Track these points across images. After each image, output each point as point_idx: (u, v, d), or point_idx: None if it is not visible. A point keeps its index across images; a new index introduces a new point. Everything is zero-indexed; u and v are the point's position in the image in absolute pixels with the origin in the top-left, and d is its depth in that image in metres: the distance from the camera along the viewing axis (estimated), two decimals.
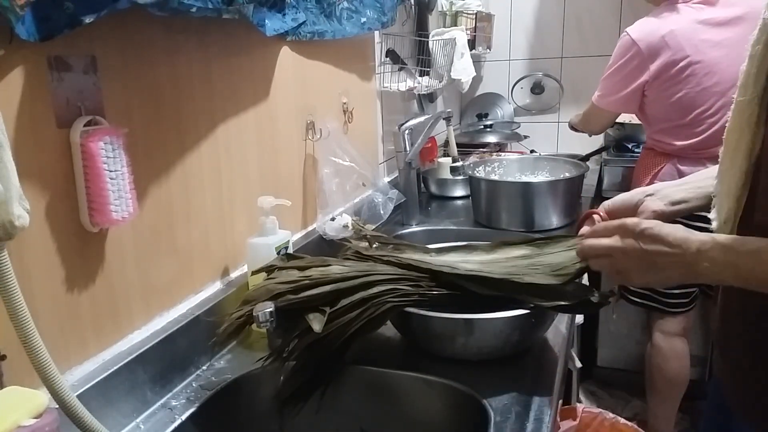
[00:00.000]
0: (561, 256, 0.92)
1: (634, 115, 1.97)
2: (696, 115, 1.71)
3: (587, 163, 1.94)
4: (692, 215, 0.91)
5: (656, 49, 1.70)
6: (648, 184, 1.05)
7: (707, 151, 1.70)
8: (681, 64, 1.69)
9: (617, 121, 2.26)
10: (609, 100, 1.84)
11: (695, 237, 0.73)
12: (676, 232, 0.74)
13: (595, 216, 0.93)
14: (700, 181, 0.89)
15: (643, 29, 1.74)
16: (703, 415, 1.01)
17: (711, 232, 0.76)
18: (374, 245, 1.08)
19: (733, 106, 0.74)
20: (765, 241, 0.68)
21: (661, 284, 0.79)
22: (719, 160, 0.79)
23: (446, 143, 2.16)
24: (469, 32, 2.22)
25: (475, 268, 0.93)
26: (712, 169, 0.82)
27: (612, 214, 0.91)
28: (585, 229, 0.92)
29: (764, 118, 0.71)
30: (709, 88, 1.69)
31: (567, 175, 1.74)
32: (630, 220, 0.78)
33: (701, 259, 0.71)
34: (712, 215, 0.79)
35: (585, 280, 1.00)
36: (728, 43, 1.67)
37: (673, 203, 0.87)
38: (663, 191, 0.89)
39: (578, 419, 1.46)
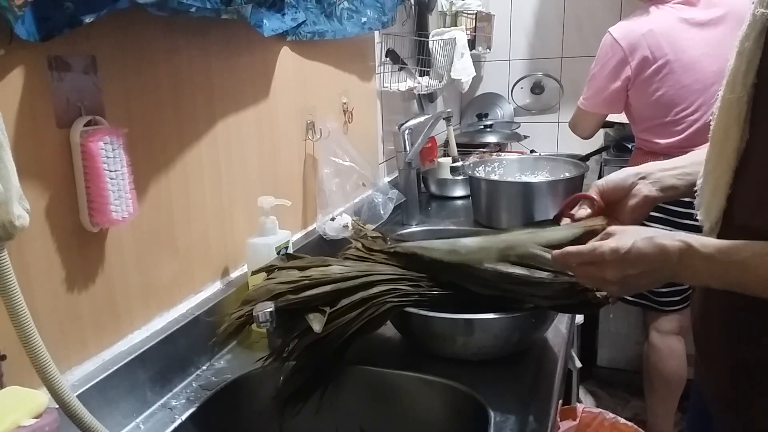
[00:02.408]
0: (558, 233, 0.90)
1: None
2: (676, 113, 1.75)
3: (587, 163, 1.94)
4: (682, 214, 0.88)
5: (636, 47, 1.73)
6: None
7: (690, 149, 1.72)
8: (660, 62, 1.72)
9: (618, 121, 2.26)
10: (594, 101, 1.86)
11: (673, 246, 0.70)
12: (653, 245, 0.71)
13: (587, 200, 0.91)
14: (689, 166, 0.88)
15: (624, 28, 1.78)
16: (686, 421, 1.00)
17: (700, 229, 0.76)
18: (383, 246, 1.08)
19: (719, 104, 0.72)
20: (749, 249, 0.66)
21: (645, 290, 0.80)
22: (705, 159, 0.77)
23: (446, 143, 2.16)
24: (469, 32, 2.22)
25: (473, 244, 0.92)
26: (700, 153, 0.81)
27: (605, 196, 0.90)
28: (581, 212, 0.91)
29: (750, 116, 0.69)
30: (688, 86, 1.72)
31: (567, 175, 1.73)
32: (607, 250, 0.74)
33: (683, 267, 0.70)
34: (700, 216, 0.77)
35: None
36: (708, 42, 1.70)
37: (664, 189, 0.87)
38: (655, 175, 0.88)
39: (578, 419, 1.46)
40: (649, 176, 0.89)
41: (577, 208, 0.92)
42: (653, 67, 1.72)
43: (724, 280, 0.68)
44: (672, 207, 1.77)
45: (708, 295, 0.81)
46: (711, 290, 0.81)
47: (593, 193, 0.91)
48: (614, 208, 0.90)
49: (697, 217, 0.78)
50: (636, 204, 0.88)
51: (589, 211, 0.91)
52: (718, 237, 0.75)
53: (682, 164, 0.89)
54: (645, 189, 0.88)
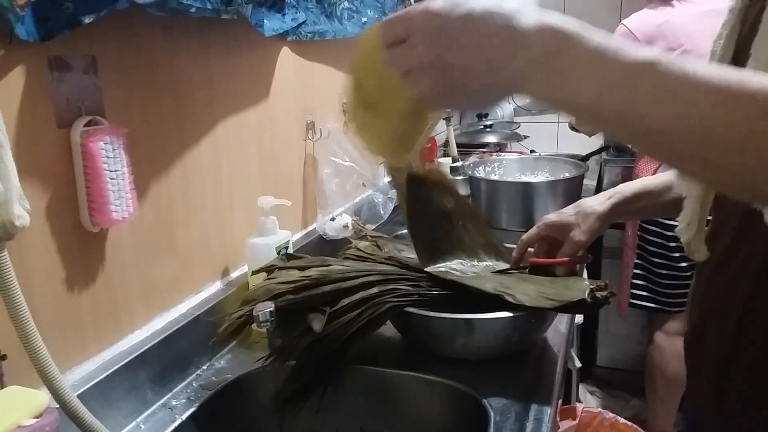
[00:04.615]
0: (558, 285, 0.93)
1: None
2: None
3: (587, 163, 1.94)
4: None
5: (652, 37, 1.73)
6: None
7: None
8: (676, 53, 1.71)
9: None
10: None
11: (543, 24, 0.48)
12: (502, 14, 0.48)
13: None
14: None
15: (638, 20, 1.78)
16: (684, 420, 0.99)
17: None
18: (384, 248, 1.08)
19: None
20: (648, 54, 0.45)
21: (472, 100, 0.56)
22: None
23: (446, 143, 2.16)
24: None
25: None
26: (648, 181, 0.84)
27: (550, 229, 0.97)
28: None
29: None
30: None
31: (567, 175, 1.74)
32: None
33: (555, 58, 0.47)
34: (679, 227, 0.75)
35: (585, 274, 1.01)
36: None
37: (594, 233, 0.93)
38: (587, 220, 0.93)
39: (578, 419, 1.46)
40: (583, 223, 0.94)
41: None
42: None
43: (607, 97, 0.46)
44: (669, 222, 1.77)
45: (703, 320, 0.79)
46: (706, 314, 0.78)
47: (544, 230, 0.98)
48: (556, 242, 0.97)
49: (677, 219, 0.75)
50: (566, 251, 0.95)
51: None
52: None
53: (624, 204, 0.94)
54: (577, 235, 0.93)
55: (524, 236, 1.01)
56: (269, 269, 0.98)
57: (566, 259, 0.94)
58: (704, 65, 0.44)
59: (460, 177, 1.89)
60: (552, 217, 0.98)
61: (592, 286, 0.89)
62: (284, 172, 1.29)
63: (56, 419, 0.59)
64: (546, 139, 2.79)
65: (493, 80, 0.49)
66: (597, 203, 0.95)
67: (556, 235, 0.97)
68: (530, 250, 1.01)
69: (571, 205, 0.98)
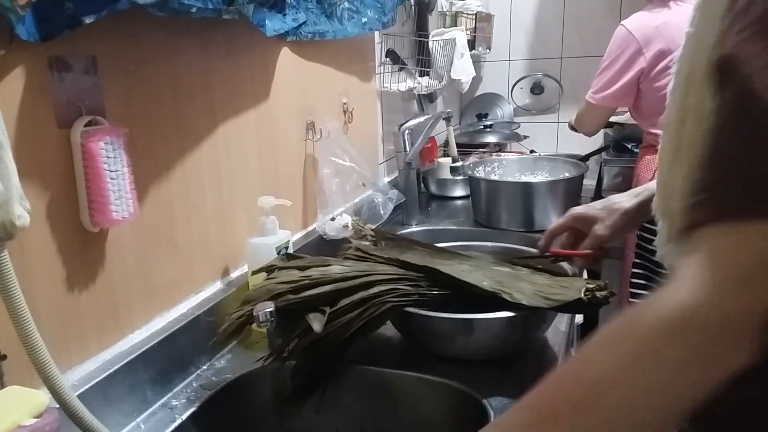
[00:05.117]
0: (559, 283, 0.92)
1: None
2: None
3: (587, 163, 1.94)
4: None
5: (651, 39, 1.73)
6: (651, 179, 1.06)
7: None
8: (674, 54, 1.71)
9: (617, 121, 2.26)
10: (604, 94, 1.85)
11: None
12: None
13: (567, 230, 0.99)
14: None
15: (638, 20, 1.78)
16: None
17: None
18: (381, 243, 1.08)
19: (663, 130, 0.70)
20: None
21: None
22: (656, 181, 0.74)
23: (446, 143, 2.16)
24: (468, 32, 2.22)
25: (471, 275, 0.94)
26: None
27: (576, 221, 0.97)
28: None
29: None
30: None
31: (567, 175, 1.74)
32: None
33: None
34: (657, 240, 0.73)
35: (585, 275, 1.01)
36: None
37: (618, 229, 0.92)
38: (612, 216, 0.93)
39: None
40: (608, 217, 0.93)
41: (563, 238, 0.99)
42: (668, 59, 1.72)
43: None
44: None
45: None
46: None
47: (570, 221, 0.98)
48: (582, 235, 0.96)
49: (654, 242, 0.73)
50: (587, 245, 0.94)
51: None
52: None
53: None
54: (599, 230, 0.92)
55: (551, 226, 1.01)
56: (269, 269, 0.98)
57: (586, 251, 0.94)
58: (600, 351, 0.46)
59: (460, 177, 1.90)
60: (579, 209, 0.98)
61: (590, 286, 0.89)
62: (284, 172, 1.29)
63: (56, 419, 0.59)
64: (546, 139, 2.80)
65: None
66: (625, 199, 0.94)
67: (581, 227, 0.96)
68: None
69: (601, 200, 0.98)
